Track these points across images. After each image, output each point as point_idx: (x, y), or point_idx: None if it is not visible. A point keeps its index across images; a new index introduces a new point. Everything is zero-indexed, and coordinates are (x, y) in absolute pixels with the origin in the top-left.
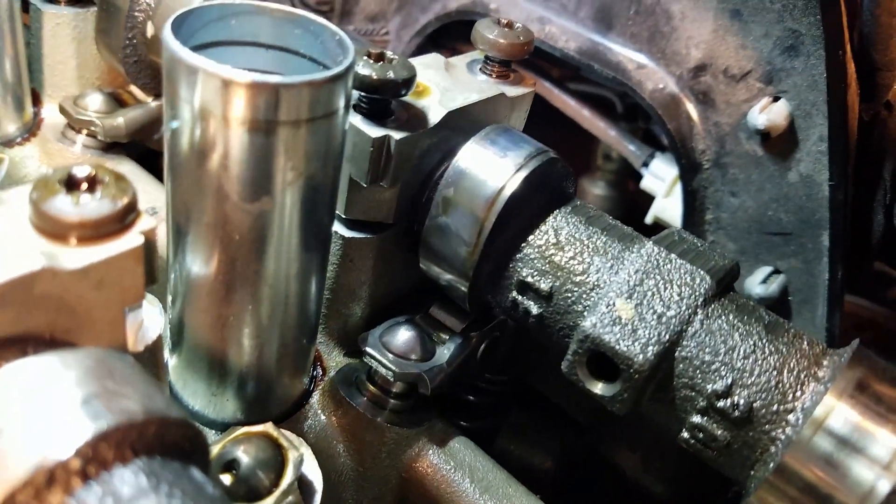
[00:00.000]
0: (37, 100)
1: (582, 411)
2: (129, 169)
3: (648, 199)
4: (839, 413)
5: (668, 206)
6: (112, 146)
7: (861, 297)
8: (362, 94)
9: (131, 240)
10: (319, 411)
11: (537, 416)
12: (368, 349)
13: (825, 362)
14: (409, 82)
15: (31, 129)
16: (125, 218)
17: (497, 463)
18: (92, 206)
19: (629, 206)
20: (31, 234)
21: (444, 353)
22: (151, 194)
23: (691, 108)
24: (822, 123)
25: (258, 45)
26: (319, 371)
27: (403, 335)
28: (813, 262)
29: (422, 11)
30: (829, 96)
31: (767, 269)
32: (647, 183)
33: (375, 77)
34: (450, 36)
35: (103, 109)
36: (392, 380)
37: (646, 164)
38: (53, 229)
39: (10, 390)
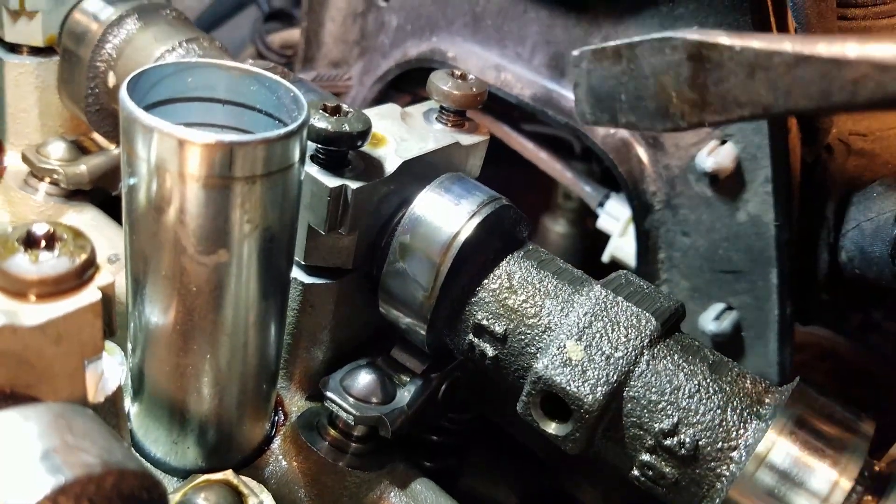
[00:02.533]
0: None
1: (544, 448)
2: (91, 216)
3: (608, 237)
4: (780, 448)
5: (623, 245)
6: (75, 193)
7: (823, 327)
8: (319, 146)
9: (89, 295)
10: (281, 457)
11: (501, 453)
12: (329, 393)
13: (767, 400)
14: (364, 134)
15: None
16: (83, 274)
17: (460, 503)
18: (50, 263)
19: (589, 244)
20: None
21: (405, 395)
22: (114, 241)
23: (642, 152)
24: (767, 166)
25: (215, 100)
26: (281, 416)
27: (364, 378)
28: (763, 299)
29: (383, 58)
30: (771, 140)
31: (720, 306)
32: (602, 223)
33: (331, 130)
34: (410, 81)
35: (66, 157)
36: (352, 423)
37: (601, 205)
38: (13, 287)
39: None
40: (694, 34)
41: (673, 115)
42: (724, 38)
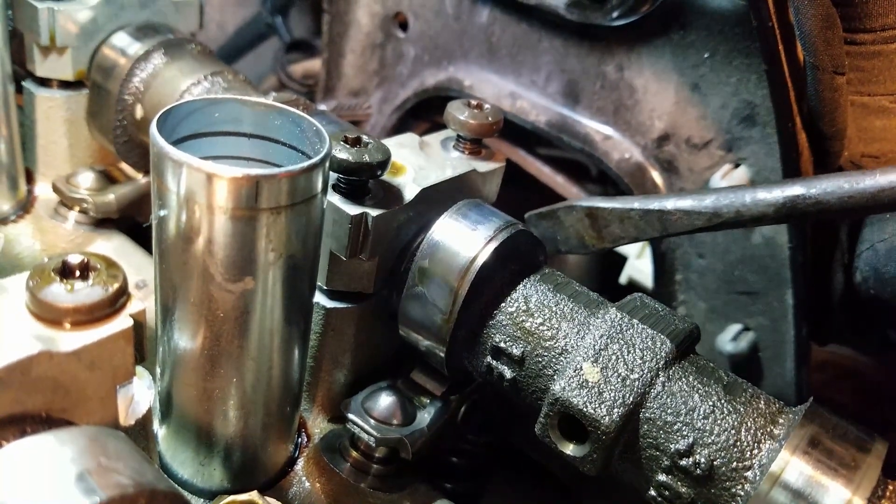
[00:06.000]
0: (30, 178)
1: (564, 470)
2: (120, 243)
3: (625, 258)
4: (793, 467)
5: (640, 266)
6: (103, 222)
7: (842, 346)
8: (341, 175)
9: (121, 322)
10: (304, 478)
11: (521, 475)
12: (350, 415)
13: (781, 420)
14: (383, 164)
15: (25, 207)
16: (116, 302)
17: None
18: (85, 292)
19: (608, 266)
20: (28, 320)
21: (425, 416)
22: (141, 268)
23: (656, 176)
24: None
25: (241, 134)
26: (304, 438)
27: (385, 400)
28: (779, 320)
29: (401, 87)
30: (783, 163)
31: (737, 327)
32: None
33: (352, 160)
34: (428, 109)
35: (95, 187)
36: (374, 445)
37: None
38: (49, 315)
39: (12, 470)
40: (584, 202)
41: (588, 245)
42: (601, 203)
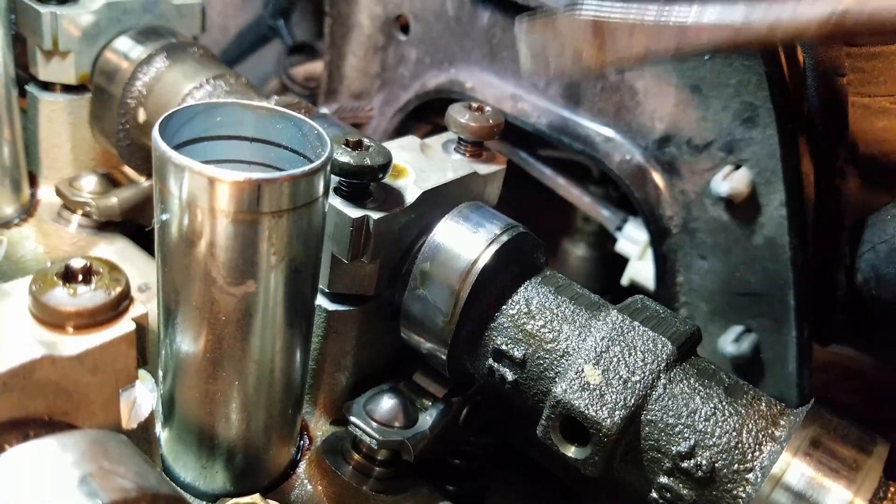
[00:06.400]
0: (34, 182)
1: (565, 471)
2: (122, 246)
3: (627, 260)
4: (795, 469)
5: (641, 268)
6: (106, 225)
7: (848, 346)
8: (342, 179)
9: (124, 326)
10: (306, 481)
11: (522, 477)
12: (352, 418)
13: (782, 422)
14: (385, 167)
15: (29, 210)
16: (118, 306)
17: None
18: (87, 296)
19: (610, 267)
20: (31, 324)
21: (427, 419)
22: (144, 271)
23: (658, 178)
24: (781, 190)
25: (242, 138)
26: (306, 440)
27: (387, 403)
28: (781, 321)
29: (403, 89)
30: (783, 165)
31: (739, 329)
32: (621, 246)
33: (353, 163)
34: (430, 111)
35: (97, 190)
36: (376, 447)
37: (619, 229)
38: (52, 319)
39: (16, 473)
40: (591, 8)
41: (584, 62)
42: (610, 9)
